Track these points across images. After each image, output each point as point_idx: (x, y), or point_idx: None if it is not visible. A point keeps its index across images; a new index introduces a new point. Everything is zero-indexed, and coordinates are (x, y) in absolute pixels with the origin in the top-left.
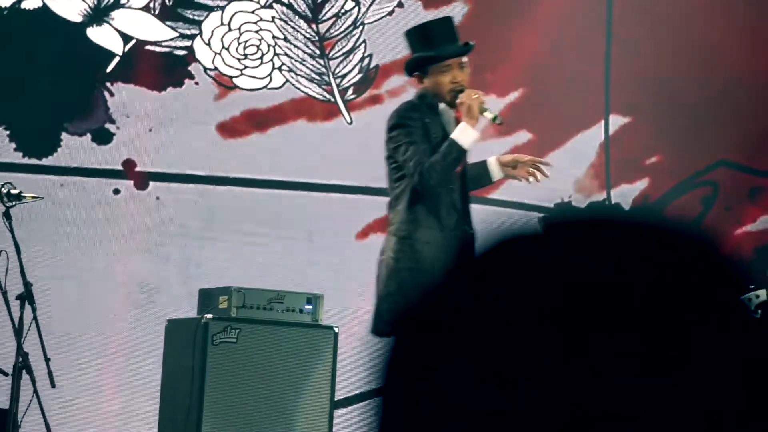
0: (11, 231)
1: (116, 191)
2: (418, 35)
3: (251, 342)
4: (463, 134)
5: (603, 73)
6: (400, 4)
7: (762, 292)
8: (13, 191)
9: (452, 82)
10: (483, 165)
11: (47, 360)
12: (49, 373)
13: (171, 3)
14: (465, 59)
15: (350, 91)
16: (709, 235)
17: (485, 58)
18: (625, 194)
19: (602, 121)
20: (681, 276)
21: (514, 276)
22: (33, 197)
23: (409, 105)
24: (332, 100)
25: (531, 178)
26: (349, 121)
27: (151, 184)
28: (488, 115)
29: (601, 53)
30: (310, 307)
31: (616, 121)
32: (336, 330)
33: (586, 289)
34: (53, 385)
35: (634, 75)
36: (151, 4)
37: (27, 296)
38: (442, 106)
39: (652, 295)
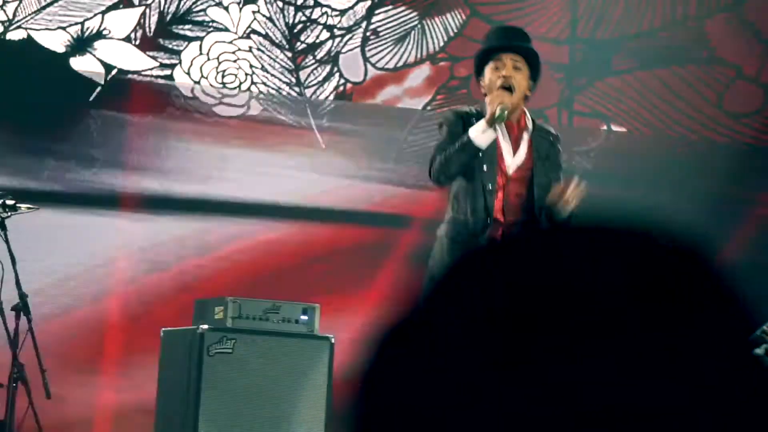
0: (7, 242)
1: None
2: (484, 38)
3: (247, 352)
4: (480, 132)
5: None
6: (375, 32)
7: None
8: (8, 202)
9: (500, 78)
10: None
11: (43, 371)
12: (45, 384)
13: (152, 34)
14: (521, 61)
15: (325, 119)
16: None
17: None
18: None
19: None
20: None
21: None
22: (28, 208)
23: (464, 108)
24: (306, 126)
25: (572, 204)
26: (323, 146)
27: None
28: (497, 112)
29: None
30: (306, 317)
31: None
32: (332, 340)
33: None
34: (48, 396)
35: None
36: (132, 35)
37: (22, 307)
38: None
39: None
